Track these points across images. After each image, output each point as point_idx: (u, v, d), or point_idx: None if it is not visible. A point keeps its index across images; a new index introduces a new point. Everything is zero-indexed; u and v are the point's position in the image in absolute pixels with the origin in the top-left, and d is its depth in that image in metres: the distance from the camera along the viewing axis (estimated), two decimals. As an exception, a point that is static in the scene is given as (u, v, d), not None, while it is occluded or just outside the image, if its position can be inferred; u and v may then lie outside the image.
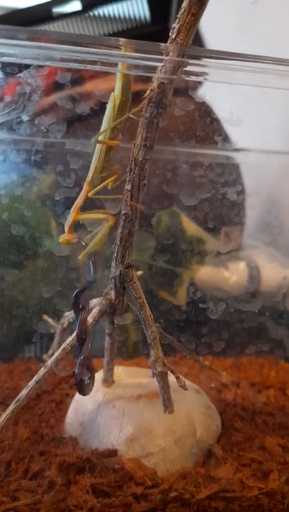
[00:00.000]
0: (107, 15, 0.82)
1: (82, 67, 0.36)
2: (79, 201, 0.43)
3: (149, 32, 0.80)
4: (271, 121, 0.56)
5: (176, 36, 0.37)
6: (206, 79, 0.41)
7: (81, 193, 0.44)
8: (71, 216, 0.44)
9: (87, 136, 0.47)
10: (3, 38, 0.33)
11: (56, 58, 0.35)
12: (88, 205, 0.43)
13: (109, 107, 0.42)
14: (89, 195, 0.43)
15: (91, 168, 0.43)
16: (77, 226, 0.44)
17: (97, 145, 0.43)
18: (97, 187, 0.43)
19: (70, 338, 0.46)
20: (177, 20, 0.37)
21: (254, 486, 0.42)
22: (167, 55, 0.38)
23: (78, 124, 0.51)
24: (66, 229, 0.44)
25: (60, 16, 0.81)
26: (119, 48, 0.36)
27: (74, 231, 0.44)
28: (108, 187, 0.43)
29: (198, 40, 0.83)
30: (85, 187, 0.43)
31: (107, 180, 0.43)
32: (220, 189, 0.63)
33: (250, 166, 0.75)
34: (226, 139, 0.60)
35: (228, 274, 0.74)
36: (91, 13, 0.82)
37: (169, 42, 0.38)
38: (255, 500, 0.41)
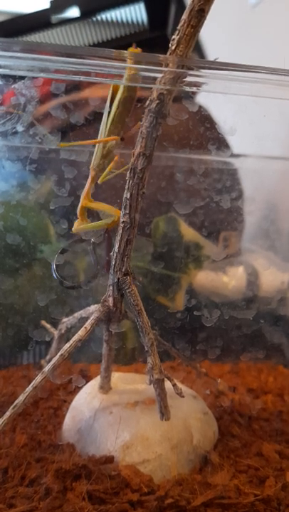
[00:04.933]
0: (105, 21, 0.83)
1: (76, 78, 0.36)
2: (86, 188, 0.45)
3: (147, 38, 0.81)
4: (268, 128, 0.56)
5: (175, 48, 0.38)
6: (205, 89, 0.41)
7: (88, 180, 0.45)
8: (81, 202, 0.45)
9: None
10: (-2, 50, 0.34)
11: (51, 70, 0.36)
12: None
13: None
14: (98, 181, 0.45)
15: (94, 154, 0.44)
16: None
17: (100, 131, 0.44)
18: (104, 172, 0.44)
19: (68, 345, 0.46)
20: (177, 32, 0.37)
21: (250, 492, 0.43)
22: (167, 66, 0.38)
23: (77, 130, 0.52)
24: (78, 215, 0.45)
25: (58, 23, 0.82)
26: (114, 60, 0.37)
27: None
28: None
29: (196, 44, 0.83)
30: (90, 173, 0.45)
31: (111, 164, 0.44)
32: (220, 195, 0.63)
33: (249, 172, 0.75)
34: (224, 145, 0.61)
35: (226, 278, 0.74)
36: (89, 20, 0.82)
37: (168, 53, 0.38)
38: (251, 506, 0.41)
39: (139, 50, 0.40)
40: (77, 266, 0.61)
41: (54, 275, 0.46)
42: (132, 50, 0.40)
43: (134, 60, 0.38)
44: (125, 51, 0.37)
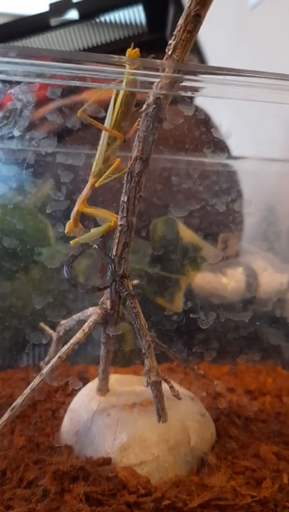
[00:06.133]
0: (104, 23, 0.83)
1: (72, 83, 0.36)
2: (84, 193, 0.45)
3: (145, 40, 0.81)
4: (266, 131, 0.56)
5: (172, 53, 0.38)
6: (201, 94, 0.41)
7: (87, 186, 0.45)
8: (76, 206, 0.45)
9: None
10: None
11: (47, 75, 0.36)
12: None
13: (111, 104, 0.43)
14: (96, 185, 0.44)
15: (95, 161, 0.44)
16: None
17: (101, 138, 0.44)
18: (102, 176, 0.44)
19: (66, 347, 0.46)
20: (173, 37, 0.37)
21: (247, 494, 0.43)
22: (163, 71, 0.38)
23: (73, 134, 0.52)
24: (71, 218, 0.45)
25: (58, 26, 0.82)
26: (111, 65, 0.37)
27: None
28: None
29: (194, 45, 0.83)
30: (90, 179, 0.45)
31: (110, 169, 0.44)
32: (219, 196, 0.63)
33: (248, 174, 0.75)
34: (222, 147, 0.61)
35: (225, 280, 0.74)
36: (88, 22, 0.83)
37: (165, 58, 0.38)
38: (247, 508, 0.42)
39: (137, 51, 0.40)
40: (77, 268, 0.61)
41: (68, 279, 0.45)
42: (130, 51, 0.40)
43: (133, 66, 0.38)
44: (122, 56, 0.37)
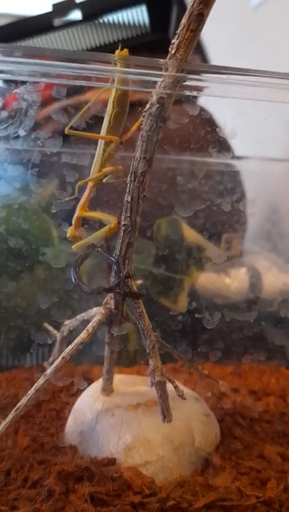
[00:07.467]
0: (107, 24, 0.83)
1: (77, 83, 0.36)
2: (84, 198, 0.45)
3: (149, 41, 0.81)
4: (269, 131, 0.56)
5: (175, 52, 0.38)
6: (204, 93, 0.41)
7: (86, 191, 0.45)
8: (77, 212, 0.45)
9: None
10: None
11: (52, 74, 0.36)
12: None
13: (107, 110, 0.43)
14: (89, 183, 0.45)
15: (93, 166, 0.45)
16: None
17: (98, 144, 0.44)
18: (100, 176, 0.45)
19: (70, 347, 0.46)
20: (176, 36, 0.37)
21: (252, 494, 0.43)
22: (166, 70, 0.38)
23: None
24: (72, 224, 0.45)
25: (61, 26, 0.82)
26: (116, 64, 0.37)
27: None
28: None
29: (197, 46, 0.83)
30: (89, 184, 0.45)
31: (105, 169, 0.44)
32: (222, 197, 0.63)
33: (251, 174, 0.75)
34: (225, 147, 0.61)
35: (229, 280, 0.74)
36: (92, 23, 0.83)
37: (168, 57, 0.38)
38: (252, 508, 0.42)
39: (125, 51, 0.40)
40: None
41: (74, 282, 0.45)
42: (118, 52, 0.40)
43: (125, 64, 0.38)
44: (113, 55, 0.37)
